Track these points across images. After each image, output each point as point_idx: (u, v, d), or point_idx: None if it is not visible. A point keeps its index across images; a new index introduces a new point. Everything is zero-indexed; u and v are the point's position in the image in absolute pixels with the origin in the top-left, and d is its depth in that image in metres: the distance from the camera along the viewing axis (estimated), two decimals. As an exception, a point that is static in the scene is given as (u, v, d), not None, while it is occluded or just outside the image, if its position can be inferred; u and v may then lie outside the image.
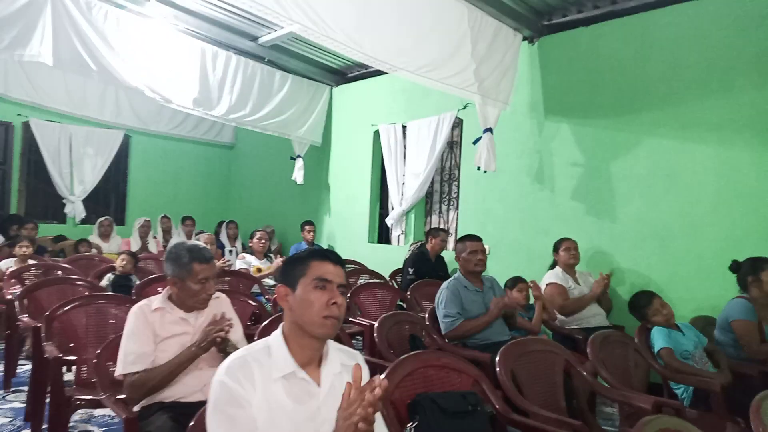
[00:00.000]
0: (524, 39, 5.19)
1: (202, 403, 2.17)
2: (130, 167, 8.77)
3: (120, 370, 2.12)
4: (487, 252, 3.75)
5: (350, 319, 3.87)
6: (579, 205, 4.85)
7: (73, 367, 2.92)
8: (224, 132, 9.57)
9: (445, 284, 3.52)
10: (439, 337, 3.41)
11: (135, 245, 6.84)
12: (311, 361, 1.55)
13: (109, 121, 8.11)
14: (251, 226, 8.10)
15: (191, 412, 2.12)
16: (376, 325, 3.10)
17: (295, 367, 1.50)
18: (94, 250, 6.33)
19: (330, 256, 1.61)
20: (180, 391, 2.14)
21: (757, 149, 3.89)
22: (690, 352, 3.05)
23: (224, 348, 2.18)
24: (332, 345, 1.62)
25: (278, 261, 5.57)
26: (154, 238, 7.26)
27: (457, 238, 6.06)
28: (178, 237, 7.38)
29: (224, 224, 7.70)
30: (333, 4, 3.80)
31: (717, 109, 4.08)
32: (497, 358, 2.51)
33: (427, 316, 3.53)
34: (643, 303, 3.32)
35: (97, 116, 7.96)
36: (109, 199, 8.69)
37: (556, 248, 4.45)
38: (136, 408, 2.11)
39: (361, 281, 5.20)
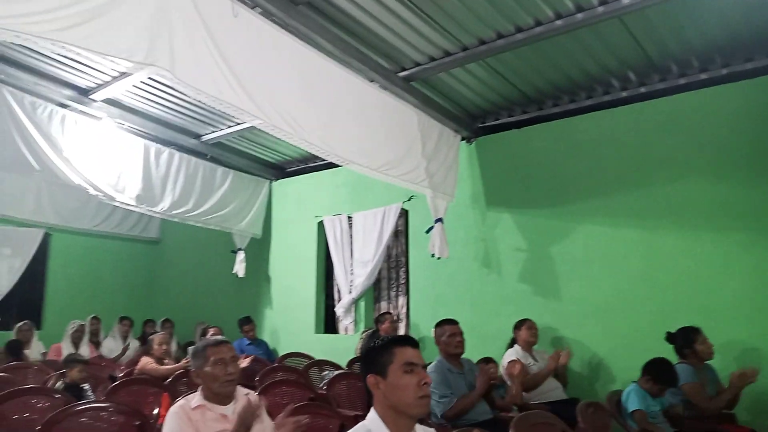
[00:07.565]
0: (462, 139, 5.79)
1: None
2: (50, 267, 8.22)
3: None
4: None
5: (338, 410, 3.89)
6: (526, 287, 5.30)
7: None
8: (150, 227, 9.34)
9: (430, 368, 3.68)
10: (429, 419, 3.54)
11: (66, 351, 6.32)
12: None
13: (28, 219, 7.68)
14: (182, 324, 7.82)
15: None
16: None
17: None
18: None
19: (409, 341, 1.79)
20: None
21: (674, 232, 4.57)
22: (657, 413, 3.44)
23: None
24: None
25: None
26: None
27: (409, 323, 6.30)
28: (113, 339, 6.94)
29: (161, 323, 7.36)
30: (305, 111, 4.12)
31: (637, 199, 4.77)
32: (510, 430, 2.72)
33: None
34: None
35: (16, 214, 7.53)
36: (22, 302, 8.00)
37: (518, 327, 4.75)
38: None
39: (326, 373, 5.20)
